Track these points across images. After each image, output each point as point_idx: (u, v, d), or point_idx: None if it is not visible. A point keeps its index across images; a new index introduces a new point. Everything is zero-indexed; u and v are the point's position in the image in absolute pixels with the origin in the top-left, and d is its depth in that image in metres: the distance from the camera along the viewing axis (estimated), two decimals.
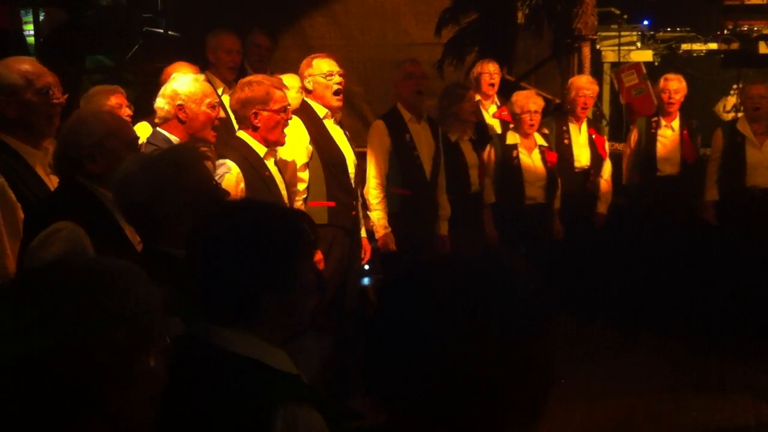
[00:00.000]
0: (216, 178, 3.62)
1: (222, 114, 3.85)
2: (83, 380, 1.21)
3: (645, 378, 5.18)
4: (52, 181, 3.19)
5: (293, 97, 4.68)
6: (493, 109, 6.32)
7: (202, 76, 3.82)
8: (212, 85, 5.12)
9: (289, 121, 4.25)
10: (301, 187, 4.46)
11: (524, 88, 6.54)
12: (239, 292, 1.66)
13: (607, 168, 6.15)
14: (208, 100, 3.66)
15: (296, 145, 4.42)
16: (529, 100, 5.71)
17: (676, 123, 6.13)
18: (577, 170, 6.07)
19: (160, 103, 3.65)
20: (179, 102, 3.60)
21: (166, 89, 3.67)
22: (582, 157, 6.08)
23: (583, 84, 6.05)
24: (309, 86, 4.61)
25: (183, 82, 3.68)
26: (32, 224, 2.69)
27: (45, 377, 1.19)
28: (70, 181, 2.76)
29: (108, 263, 1.32)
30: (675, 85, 6.04)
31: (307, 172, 4.49)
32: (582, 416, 4.68)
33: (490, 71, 6.22)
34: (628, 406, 4.81)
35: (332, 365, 4.69)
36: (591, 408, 4.77)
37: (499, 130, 6.11)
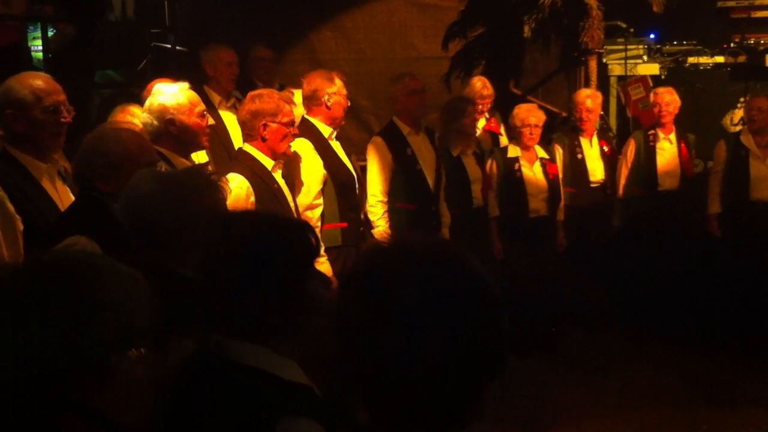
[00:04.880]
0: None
1: (212, 121, 3.77)
2: (66, 376, 1.22)
3: (656, 392, 5.15)
4: (59, 194, 3.20)
5: (302, 113, 4.67)
6: (482, 122, 6.32)
7: (186, 85, 3.68)
8: (210, 99, 5.17)
9: (302, 148, 4.25)
10: (318, 212, 4.38)
11: (530, 102, 6.55)
12: (250, 304, 1.66)
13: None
14: (197, 110, 3.57)
15: (312, 174, 4.37)
16: (530, 114, 5.71)
17: (673, 136, 6.13)
18: (593, 185, 6.06)
19: (148, 119, 3.50)
20: (169, 117, 3.47)
21: (153, 104, 3.51)
22: (597, 171, 6.08)
23: (589, 100, 6.04)
24: (329, 103, 4.49)
25: (169, 95, 3.53)
26: (47, 238, 2.68)
27: (27, 373, 1.19)
28: (87, 196, 2.75)
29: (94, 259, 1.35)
30: (667, 98, 6.04)
31: (321, 198, 4.44)
32: (593, 430, 4.65)
33: (478, 88, 6.22)
34: (640, 420, 4.77)
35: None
36: (602, 422, 4.74)
37: (488, 143, 6.12)
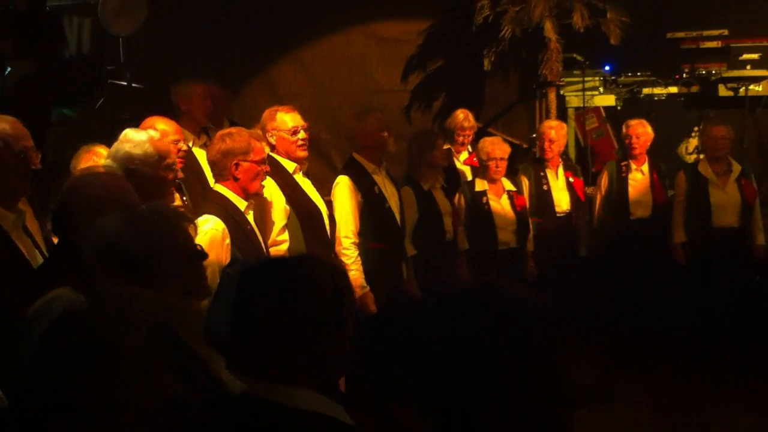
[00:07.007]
0: (198, 235, 3.54)
1: (181, 174, 3.65)
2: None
3: (624, 422, 5.13)
4: (24, 244, 3.08)
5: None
6: (464, 155, 6.32)
7: (157, 134, 3.58)
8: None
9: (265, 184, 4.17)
10: (283, 248, 4.29)
11: (491, 134, 6.58)
12: (288, 349, 1.65)
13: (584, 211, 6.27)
14: (165, 163, 3.43)
15: (273, 208, 4.30)
16: (495, 147, 5.71)
17: (645, 167, 6.24)
18: (559, 215, 6.10)
19: (112, 165, 3.35)
20: (132, 167, 3.33)
21: (118, 151, 3.39)
22: (562, 201, 6.12)
23: (553, 131, 6.10)
24: (272, 141, 4.45)
25: (137, 145, 3.40)
26: (30, 290, 2.55)
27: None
28: (66, 243, 2.65)
29: None
30: (639, 130, 6.17)
31: (286, 233, 4.36)
32: None
33: (460, 120, 6.22)
34: None
35: None
36: None
37: (470, 176, 6.11)
